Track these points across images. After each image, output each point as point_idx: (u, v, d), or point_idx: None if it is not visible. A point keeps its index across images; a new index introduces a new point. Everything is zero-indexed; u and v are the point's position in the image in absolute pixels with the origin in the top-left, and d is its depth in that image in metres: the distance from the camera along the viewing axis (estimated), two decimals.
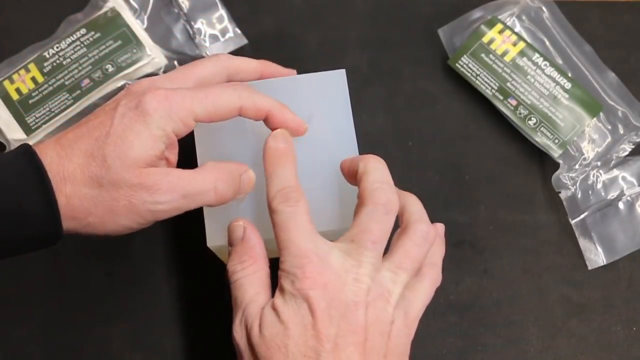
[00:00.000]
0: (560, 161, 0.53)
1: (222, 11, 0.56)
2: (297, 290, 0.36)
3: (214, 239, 0.43)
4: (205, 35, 0.55)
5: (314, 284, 0.36)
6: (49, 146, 0.37)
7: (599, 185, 0.53)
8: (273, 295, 0.38)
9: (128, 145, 0.37)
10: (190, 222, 0.50)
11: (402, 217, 0.41)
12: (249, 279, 0.39)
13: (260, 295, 0.39)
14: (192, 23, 0.55)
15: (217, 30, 0.56)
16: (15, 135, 0.51)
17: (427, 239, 0.39)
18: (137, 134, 0.37)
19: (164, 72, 0.54)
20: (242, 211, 0.43)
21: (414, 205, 0.41)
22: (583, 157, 0.53)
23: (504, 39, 0.54)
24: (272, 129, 0.41)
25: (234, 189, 0.41)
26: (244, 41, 0.56)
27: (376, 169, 0.39)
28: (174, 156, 0.41)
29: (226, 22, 0.56)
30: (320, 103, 0.45)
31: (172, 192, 0.38)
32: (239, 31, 0.56)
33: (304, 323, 0.36)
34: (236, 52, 0.55)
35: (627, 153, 0.53)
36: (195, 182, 0.39)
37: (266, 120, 0.41)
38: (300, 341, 0.36)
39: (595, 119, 0.53)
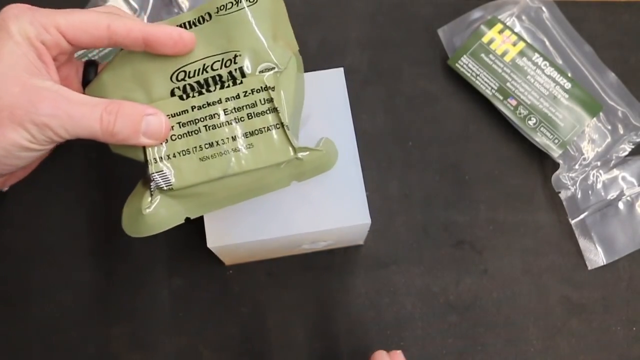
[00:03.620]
0: (560, 161, 0.53)
1: None
2: None
3: (215, 240, 0.43)
4: None
5: None
6: None
7: (599, 185, 0.53)
8: None
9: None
10: (191, 222, 0.50)
11: None
12: None
13: None
14: None
15: None
16: None
17: None
18: (3, 43, 0.36)
19: None
20: (243, 212, 0.43)
21: None
22: (583, 157, 0.53)
23: (503, 39, 0.54)
24: (156, 51, 0.38)
25: (129, 128, 0.37)
26: None
27: None
28: (71, 78, 0.40)
29: None
30: (318, 102, 0.45)
31: (56, 107, 0.36)
32: None
33: None
34: None
35: (627, 153, 0.53)
36: (82, 104, 0.36)
37: (147, 45, 0.38)
38: None
39: (595, 119, 0.53)
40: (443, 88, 0.56)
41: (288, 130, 0.39)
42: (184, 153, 0.39)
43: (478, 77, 0.54)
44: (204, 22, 0.40)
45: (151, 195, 0.39)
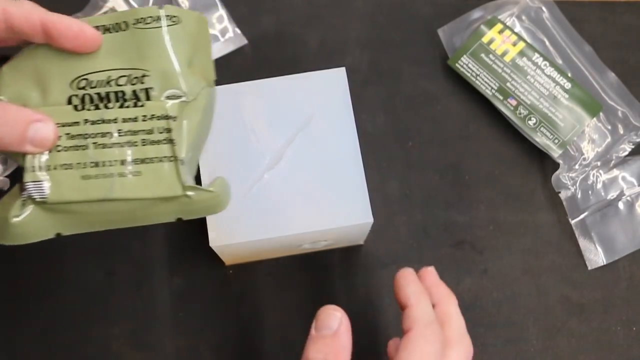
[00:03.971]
0: (560, 161, 0.53)
1: (222, 11, 0.56)
2: None
3: (217, 239, 0.43)
4: None
5: None
6: None
7: (599, 185, 0.53)
8: None
9: None
10: (192, 222, 0.50)
11: (445, 327, 0.41)
12: None
13: None
14: None
15: (217, 30, 0.56)
16: None
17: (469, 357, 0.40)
18: None
19: None
20: (246, 211, 0.43)
21: (459, 316, 0.42)
22: (583, 157, 0.53)
23: (503, 39, 0.54)
24: (55, 42, 0.36)
25: (14, 135, 0.35)
26: (244, 41, 0.56)
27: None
28: None
29: (226, 22, 0.56)
30: (320, 101, 0.45)
31: None
32: (238, 31, 0.56)
33: None
34: (236, 52, 0.55)
35: (627, 153, 0.53)
36: None
37: (46, 34, 0.35)
38: None
39: (595, 119, 0.53)
40: (443, 88, 0.56)
41: (181, 165, 0.36)
42: (66, 167, 0.36)
43: (478, 77, 0.54)
44: (119, 30, 0.37)
45: (22, 204, 0.36)
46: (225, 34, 0.56)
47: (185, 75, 0.37)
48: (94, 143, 0.37)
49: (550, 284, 0.51)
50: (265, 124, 0.45)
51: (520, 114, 0.53)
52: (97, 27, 0.37)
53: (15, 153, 0.36)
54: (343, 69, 0.46)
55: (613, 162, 0.53)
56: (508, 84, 0.53)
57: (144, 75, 0.37)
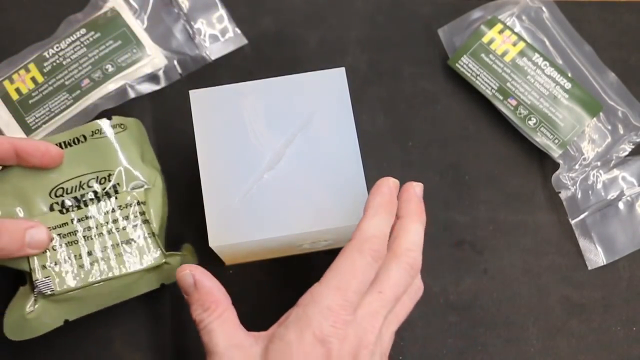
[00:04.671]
0: (560, 161, 0.53)
1: (222, 11, 0.56)
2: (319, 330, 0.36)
3: (216, 239, 0.43)
4: (205, 35, 0.55)
5: (337, 333, 0.36)
6: None
7: (599, 185, 0.53)
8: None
9: None
10: (191, 222, 0.50)
11: (394, 241, 0.40)
12: (218, 322, 0.39)
13: (237, 336, 0.39)
14: (192, 23, 0.55)
15: (217, 30, 0.56)
16: (15, 135, 0.51)
17: (414, 269, 0.40)
18: None
19: (164, 72, 0.54)
20: (246, 211, 0.43)
21: (416, 235, 0.41)
22: (583, 157, 0.53)
23: (504, 39, 0.54)
24: (25, 162, 0.43)
25: (14, 244, 0.41)
26: (244, 41, 0.56)
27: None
28: None
29: (226, 22, 0.56)
30: (320, 102, 0.45)
31: None
32: (239, 31, 0.56)
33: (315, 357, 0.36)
34: (236, 52, 0.55)
35: (627, 153, 0.53)
36: None
37: (18, 156, 0.42)
38: None
39: (595, 119, 0.53)
40: (443, 88, 0.56)
41: (158, 239, 0.44)
42: (64, 261, 0.43)
43: (478, 77, 0.54)
44: (78, 143, 0.45)
45: (35, 300, 0.43)
46: (225, 34, 0.56)
47: (141, 168, 0.45)
48: (83, 236, 0.44)
49: (550, 284, 0.51)
50: (264, 124, 0.45)
51: (520, 114, 0.53)
52: (59, 144, 0.44)
53: (15, 261, 0.43)
54: (343, 69, 0.46)
55: (613, 162, 0.53)
56: (508, 84, 0.53)
57: (109, 175, 0.45)
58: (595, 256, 0.52)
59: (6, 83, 0.52)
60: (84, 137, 0.45)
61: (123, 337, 0.49)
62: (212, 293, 0.40)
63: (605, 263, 0.52)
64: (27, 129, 0.51)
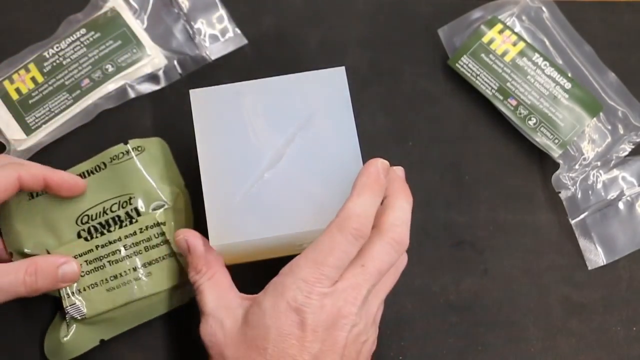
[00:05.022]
0: (560, 161, 0.53)
1: (222, 11, 0.56)
2: (300, 300, 0.38)
3: (217, 238, 0.43)
4: (205, 35, 0.55)
5: (310, 303, 0.38)
6: None
7: (599, 185, 0.53)
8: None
9: None
10: (192, 223, 0.50)
11: (381, 218, 0.40)
12: (209, 283, 0.43)
13: (225, 297, 0.42)
14: (192, 23, 0.55)
15: (217, 30, 0.56)
16: (15, 135, 0.51)
17: (399, 248, 0.40)
18: None
19: (164, 72, 0.54)
20: (247, 210, 0.43)
21: (402, 211, 0.41)
22: (583, 157, 0.53)
23: (504, 39, 0.54)
24: (53, 192, 0.45)
25: (49, 281, 0.43)
26: (244, 41, 0.56)
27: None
28: None
29: (226, 22, 0.56)
30: (320, 101, 0.45)
31: None
32: (239, 31, 0.56)
33: (290, 331, 0.38)
34: (236, 52, 0.55)
35: (627, 153, 0.53)
36: (6, 274, 0.42)
37: (46, 186, 0.45)
38: (281, 346, 0.37)
39: (595, 119, 0.53)
40: (443, 88, 0.56)
41: (180, 258, 0.46)
42: (92, 286, 0.45)
43: (478, 77, 0.54)
44: (100, 170, 0.47)
45: (67, 325, 0.46)
46: (225, 34, 0.56)
47: (161, 188, 0.47)
48: (108, 261, 0.46)
49: (550, 284, 0.51)
50: (265, 124, 0.45)
51: (520, 114, 0.53)
52: (82, 174, 0.47)
53: None
54: (343, 69, 0.46)
55: (613, 162, 0.53)
56: (508, 84, 0.53)
57: (130, 198, 0.46)
58: (595, 256, 0.52)
59: (6, 83, 0.52)
60: (104, 164, 0.47)
61: (123, 337, 0.49)
62: (203, 256, 0.43)
63: (605, 263, 0.52)
64: (27, 129, 0.51)
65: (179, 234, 0.44)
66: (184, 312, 0.50)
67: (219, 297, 0.42)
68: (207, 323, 0.41)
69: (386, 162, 0.42)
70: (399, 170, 0.44)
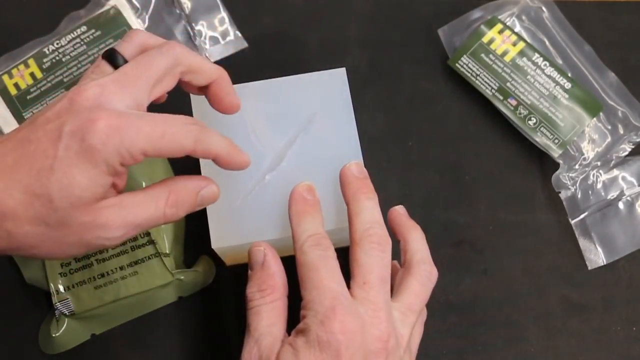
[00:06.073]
0: (560, 161, 0.53)
1: (223, 13, 0.56)
2: (325, 333, 0.35)
3: (218, 241, 0.43)
4: (205, 37, 0.55)
5: (343, 328, 0.35)
6: None
7: (599, 185, 0.53)
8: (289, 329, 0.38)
9: (76, 184, 0.33)
10: (193, 223, 0.50)
11: (405, 255, 0.41)
12: (266, 307, 0.39)
13: (276, 326, 0.39)
14: (193, 24, 0.55)
15: (218, 32, 0.56)
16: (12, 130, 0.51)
17: (431, 280, 0.41)
18: (83, 172, 0.34)
19: None
20: (248, 213, 0.43)
21: (417, 243, 0.42)
22: (583, 157, 0.53)
23: (503, 39, 0.54)
24: (221, 166, 0.40)
25: (188, 207, 0.39)
26: (244, 44, 0.56)
27: (366, 208, 0.40)
28: (122, 182, 0.40)
29: (227, 25, 0.56)
30: (321, 102, 0.45)
31: (125, 226, 0.36)
32: (239, 34, 0.56)
33: None
34: (236, 54, 0.55)
35: (627, 153, 0.53)
36: (146, 211, 0.37)
37: (215, 161, 0.40)
38: None
39: (595, 119, 0.53)
40: (443, 88, 0.56)
41: (166, 258, 0.47)
42: (81, 284, 0.47)
43: (478, 77, 0.54)
44: None
45: (57, 320, 0.47)
46: (225, 37, 0.56)
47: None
48: (96, 260, 0.47)
49: (550, 284, 0.52)
50: (266, 125, 0.45)
51: (520, 114, 0.53)
52: None
53: (41, 281, 0.47)
54: (343, 70, 0.46)
55: (613, 162, 0.53)
56: (508, 84, 0.54)
57: None
58: (595, 256, 0.52)
59: (5, 77, 0.52)
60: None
61: (123, 337, 0.49)
62: (274, 278, 0.40)
63: (605, 263, 0.52)
64: None
65: (260, 245, 0.40)
66: (183, 311, 0.50)
67: (271, 324, 0.39)
68: (249, 345, 0.39)
69: (357, 164, 0.42)
70: (353, 166, 0.42)
